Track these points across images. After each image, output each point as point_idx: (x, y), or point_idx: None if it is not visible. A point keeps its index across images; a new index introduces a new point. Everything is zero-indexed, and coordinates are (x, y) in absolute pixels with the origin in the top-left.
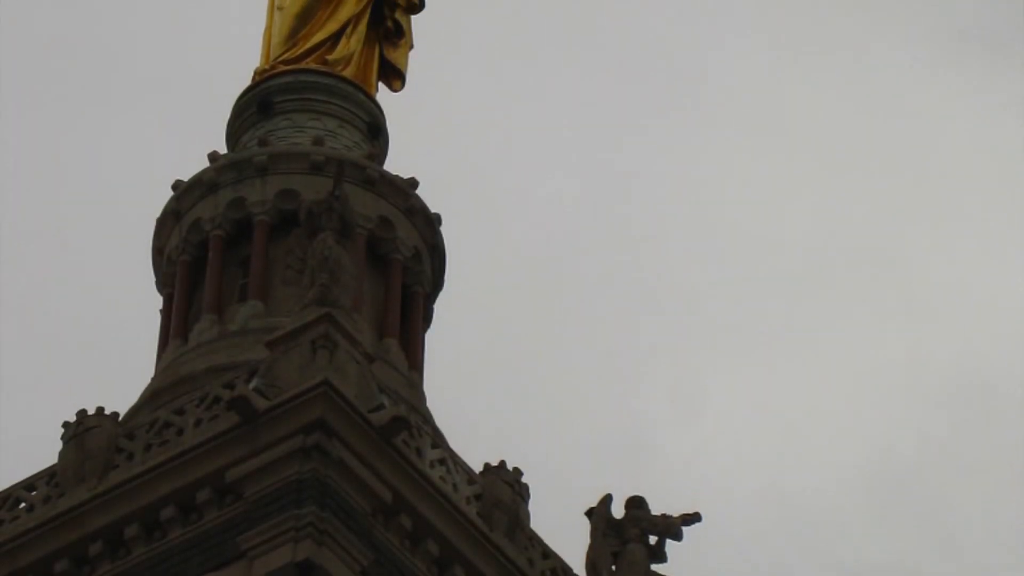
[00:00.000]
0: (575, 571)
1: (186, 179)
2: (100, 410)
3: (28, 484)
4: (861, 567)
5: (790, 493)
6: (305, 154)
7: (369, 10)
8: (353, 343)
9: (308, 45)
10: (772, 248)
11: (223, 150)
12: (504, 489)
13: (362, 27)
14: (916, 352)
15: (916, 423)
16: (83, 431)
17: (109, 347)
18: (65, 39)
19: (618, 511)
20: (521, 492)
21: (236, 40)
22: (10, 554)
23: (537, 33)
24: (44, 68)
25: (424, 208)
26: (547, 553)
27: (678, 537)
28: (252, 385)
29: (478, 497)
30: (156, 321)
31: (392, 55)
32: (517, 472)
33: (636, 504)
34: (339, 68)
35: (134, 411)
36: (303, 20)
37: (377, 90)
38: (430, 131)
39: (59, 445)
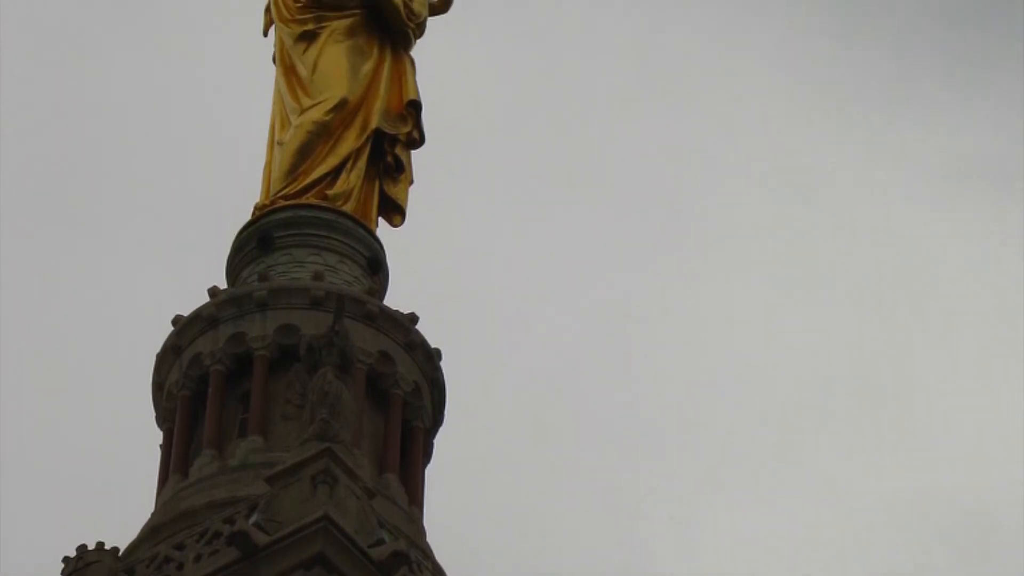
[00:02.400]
0: None
1: (186, 314)
2: (100, 545)
3: None
4: None
5: None
6: (305, 289)
7: (369, 145)
8: (353, 478)
9: (308, 180)
10: (771, 381)
11: (223, 285)
12: None
13: (362, 162)
14: (916, 484)
15: (916, 555)
16: (83, 566)
17: (109, 482)
18: (66, 175)
19: None
20: None
21: (236, 175)
22: None
23: (536, 169)
24: (44, 203)
25: (424, 343)
26: None
27: None
28: (252, 520)
29: None
30: (156, 456)
31: (392, 190)
32: None
33: None
34: (339, 203)
35: (134, 546)
36: (303, 155)
37: (377, 225)
38: (430, 266)
39: None
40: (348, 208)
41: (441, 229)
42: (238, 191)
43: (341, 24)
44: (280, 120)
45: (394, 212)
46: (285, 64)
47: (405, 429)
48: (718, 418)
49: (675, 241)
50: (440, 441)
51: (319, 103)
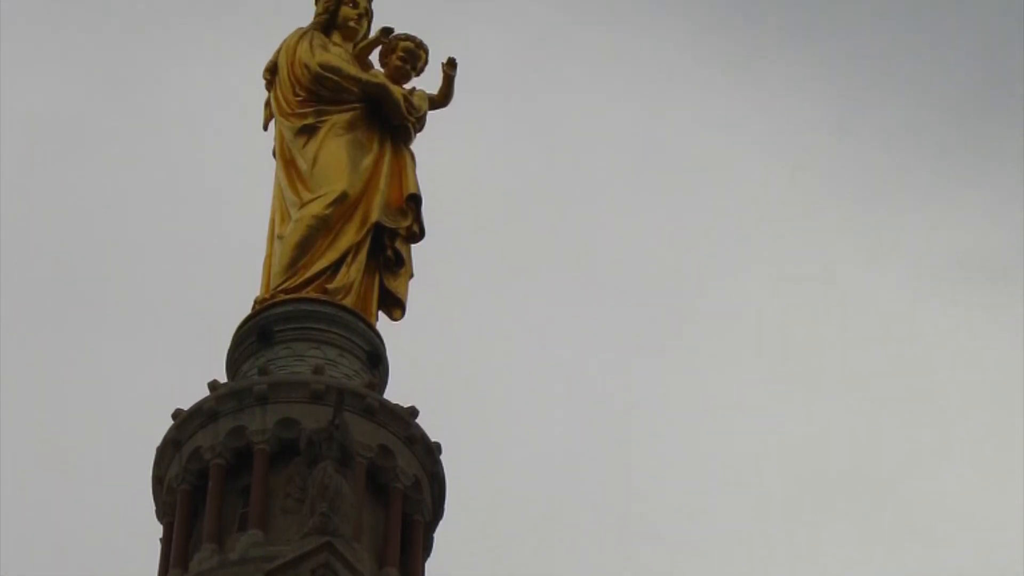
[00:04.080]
0: None
1: (186, 408)
2: None
3: None
4: None
5: None
6: (305, 383)
7: (369, 239)
8: (353, 572)
9: (308, 274)
10: (772, 472)
11: (223, 379)
12: None
13: (362, 256)
14: None
15: None
16: None
17: None
18: (65, 268)
19: None
20: None
21: (236, 269)
22: None
23: (536, 262)
24: (44, 295)
25: (424, 437)
26: None
27: None
28: None
29: None
30: (156, 550)
31: (392, 284)
32: None
33: None
34: (339, 297)
35: None
36: (303, 249)
37: (377, 319)
38: (430, 360)
39: None
40: (348, 302)
41: (441, 323)
42: (238, 285)
43: (341, 118)
44: (280, 214)
45: (394, 306)
46: (285, 158)
47: (405, 523)
48: (720, 510)
49: (676, 333)
50: (440, 535)
51: (319, 197)
